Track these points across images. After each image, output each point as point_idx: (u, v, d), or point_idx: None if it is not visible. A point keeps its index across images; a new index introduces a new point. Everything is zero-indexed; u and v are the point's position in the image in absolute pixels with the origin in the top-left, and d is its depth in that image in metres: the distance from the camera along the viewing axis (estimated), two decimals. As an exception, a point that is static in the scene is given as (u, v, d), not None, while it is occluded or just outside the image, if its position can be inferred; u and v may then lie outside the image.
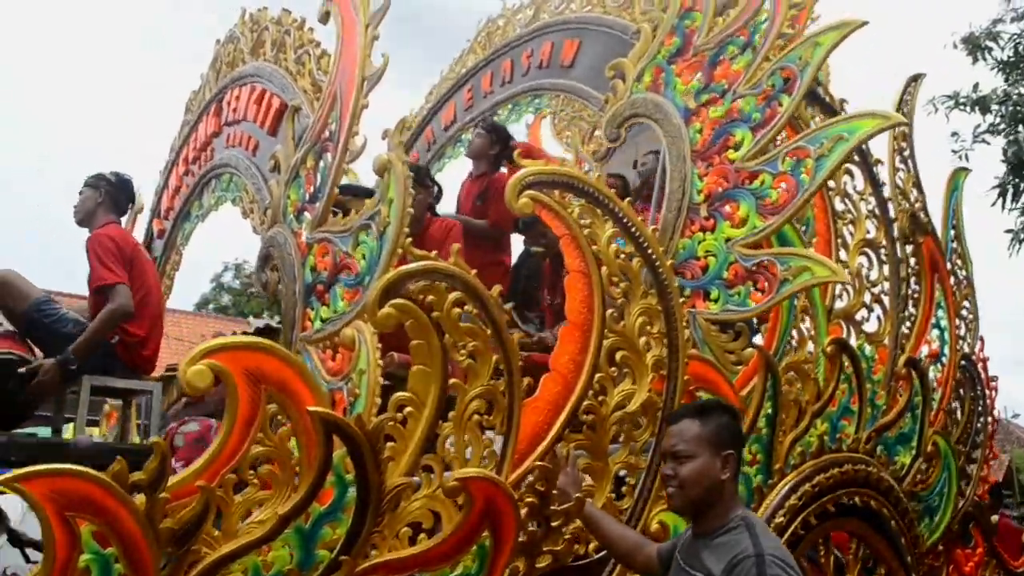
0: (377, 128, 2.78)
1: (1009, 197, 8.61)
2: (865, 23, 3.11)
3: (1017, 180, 8.54)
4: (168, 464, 1.98)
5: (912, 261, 4.12)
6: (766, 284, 3.05)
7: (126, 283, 3.27)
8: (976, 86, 8.77)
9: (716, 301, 3.19)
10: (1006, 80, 8.75)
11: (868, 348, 3.68)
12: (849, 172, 3.99)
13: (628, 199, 5.11)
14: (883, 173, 4.14)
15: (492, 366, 2.53)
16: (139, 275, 3.41)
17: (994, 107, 8.72)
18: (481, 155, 4.88)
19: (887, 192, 4.10)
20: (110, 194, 3.57)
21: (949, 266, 4.42)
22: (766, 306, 3.06)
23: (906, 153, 4.32)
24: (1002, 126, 8.71)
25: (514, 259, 5.03)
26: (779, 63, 3.22)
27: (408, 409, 2.39)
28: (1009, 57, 8.85)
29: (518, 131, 6.35)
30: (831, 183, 3.87)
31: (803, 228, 3.82)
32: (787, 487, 3.17)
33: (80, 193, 3.58)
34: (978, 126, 8.86)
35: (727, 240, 3.20)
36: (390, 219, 2.47)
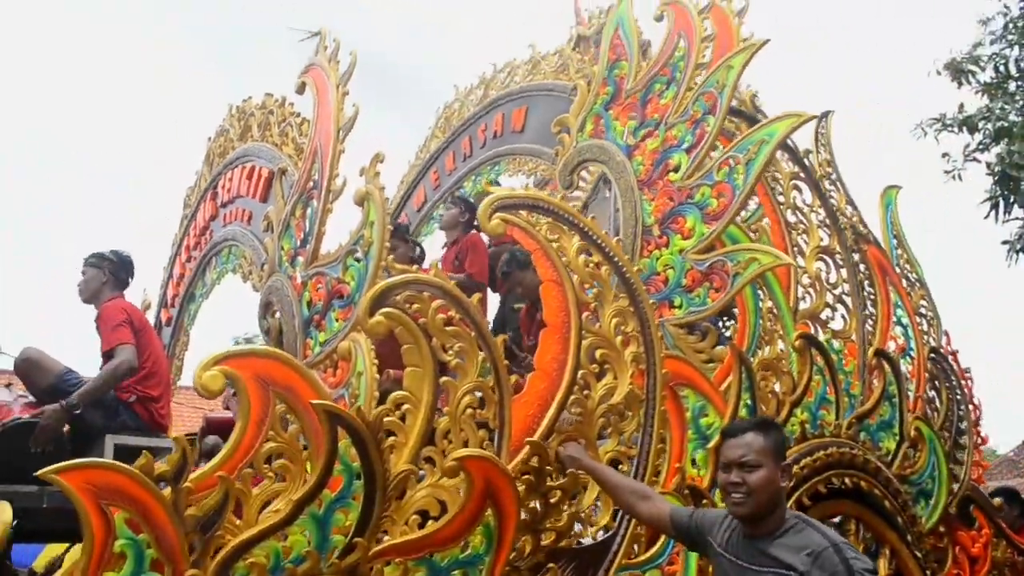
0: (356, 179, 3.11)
1: (1001, 210, 8.68)
2: (767, 41, 3.56)
3: (1006, 192, 8.62)
4: (189, 458, 2.18)
5: (862, 267, 4.44)
6: (721, 281, 3.33)
7: (131, 344, 3.48)
8: (961, 107, 8.98)
9: (680, 307, 3.47)
10: (990, 100, 8.91)
11: (836, 343, 3.91)
12: (797, 188, 4.34)
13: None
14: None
15: (479, 365, 2.76)
16: (148, 343, 3.64)
17: (980, 124, 8.86)
18: (453, 224, 5.36)
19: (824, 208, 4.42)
20: (113, 272, 3.82)
21: (899, 270, 4.74)
22: (724, 300, 3.32)
23: (833, 177, 4.72)
24: (988, 142, 8.84)
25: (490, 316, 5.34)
26: (700, 90, 3.64)
27: (406, 407, 2.60)
28: (992, 78, 9.06)
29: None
30: (781, 198, 4.21)
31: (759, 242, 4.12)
32: (776, 470, 3.33)
33: (83, 273, 3.83)
34: (967, 145, 9.00)
35: (681, 251, 3.53)
36: (372, 240, 2.76)
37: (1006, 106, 8.83)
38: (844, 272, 4.24)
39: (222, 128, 4.32)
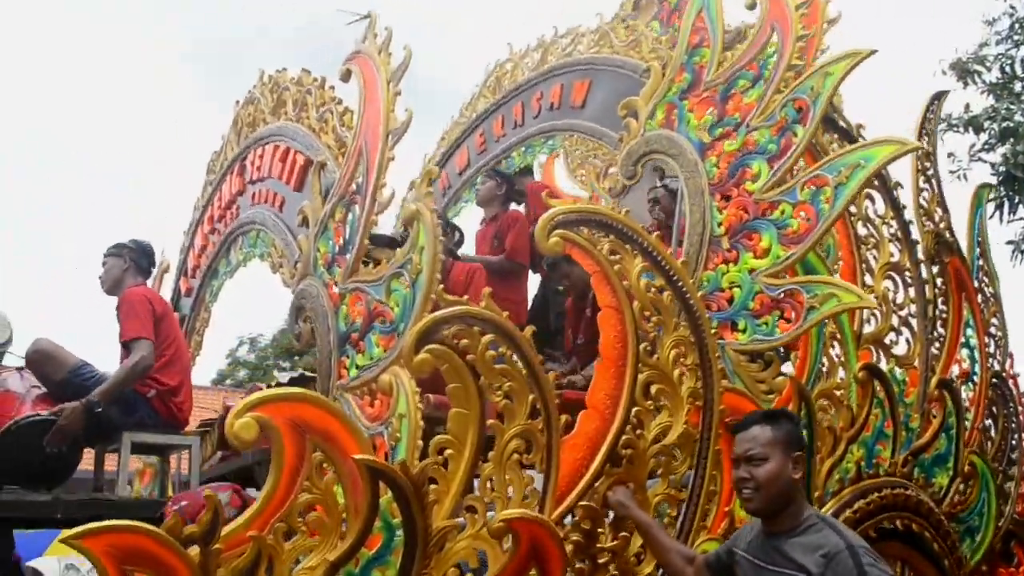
0: (400, 182, 2.85)
1: (1006, 210, 8.71)
2: (874, 52, 3.14)
3: (1011, 192, 8.63)
4: (221, 517, 2.01)
5: (939, 281, 4.08)
6: (793, 313, 3.06)
7: (150, 338, 3.32)
8: (967, 107, 8.92)
9: (744, 332, 3.17)
10: (996, 100, 8.87)
11: (899, 371, 3.66)
12: (870, 197, 3.95)
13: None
14: (903, 196, 4.13)
15: (529, 405, 2.56)
16: (168, 330, 3.48)
17: (986, 124, 8.87)
18: (490, 199, 5.04)
19: (909, 214, 4.09)
20: (134, 260, 3.67)
21: (976, 284, 4.37)
22: (795, 334, 3.06)
23: (930, 172, 4.29)
24: (993, 142, 8.85)
25: (530, 294, 5.09)
26: (791, 94, 3.24)
27: (449, 451, 2.42)
28: (997, 78, 9.00)
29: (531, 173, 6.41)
30: (852, 208, 3.87)
31: (826, 255, 3.83)
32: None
33: (103, 263, 3.67)
34: (973, 145, 9.02)
35: (751, 271, 3.20)
36: (422, 266, 2.52)
37: (1012, 106, 8.80)
38: (912, 291, 3.94)
39: (252, 95, 3.99)
